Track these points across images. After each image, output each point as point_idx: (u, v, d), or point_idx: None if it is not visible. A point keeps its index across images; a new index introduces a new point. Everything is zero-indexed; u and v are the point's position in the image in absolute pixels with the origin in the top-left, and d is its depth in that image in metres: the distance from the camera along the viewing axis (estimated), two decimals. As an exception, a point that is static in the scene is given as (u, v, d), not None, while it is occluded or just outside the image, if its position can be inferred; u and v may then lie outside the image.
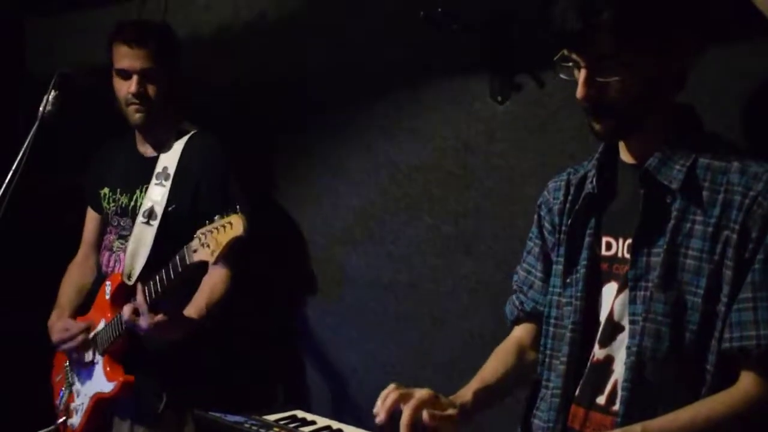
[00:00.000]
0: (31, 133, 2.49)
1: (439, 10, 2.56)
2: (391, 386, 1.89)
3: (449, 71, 2.84)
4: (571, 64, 1.89)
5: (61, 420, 3.06)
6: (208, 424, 2.04)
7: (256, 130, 3.35)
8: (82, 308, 3.14)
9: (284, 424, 2.06)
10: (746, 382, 1.79)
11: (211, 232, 2.38)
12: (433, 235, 2.92)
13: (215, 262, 2.40)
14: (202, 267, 2.62)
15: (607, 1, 1.77)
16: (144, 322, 2.59)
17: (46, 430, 3.11)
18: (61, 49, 4.11)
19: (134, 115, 2.91)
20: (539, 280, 2.17)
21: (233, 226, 2.33)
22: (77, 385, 3.03)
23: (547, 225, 2.16)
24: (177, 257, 2.50)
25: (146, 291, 2.59)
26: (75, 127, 3.23)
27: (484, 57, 2.70)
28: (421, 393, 1.88)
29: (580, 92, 1.86)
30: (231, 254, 2.38)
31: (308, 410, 2.17)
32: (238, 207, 2.37)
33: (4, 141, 3.86)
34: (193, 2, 3.60)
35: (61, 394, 3.13)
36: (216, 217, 2.38)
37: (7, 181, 2.37)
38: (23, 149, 2.45)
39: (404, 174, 2.99)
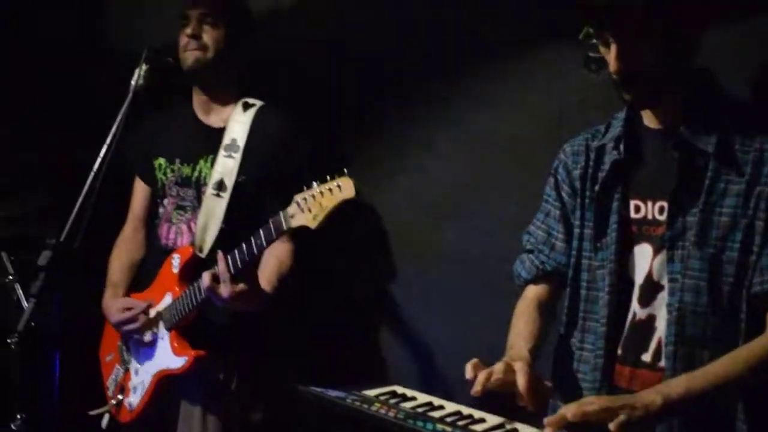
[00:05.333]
0: (124, 106, 2.48)
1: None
2: (474, 361, 1.96)
3: (541, 40, 2.81)
4: (596, 41, 2.00)
5: (115, 400, 3.00)
6: (309, 398, 2.02)
7: (337, 104, 3.33)
8: (134, 284, 3.10)
9: (385, 399, 2.04)
10: None
11: (314, 196, 2.30)
12: (525, 209, 2.85)
13: (317, 227, 2.32)
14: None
15: None
16: (225, 290, 2.52)
17: (98, 410, 3.06)
18: (139, 25, 4.11)
19: (188, 59, 2.84)
20: (560, 242, 2.25)
21: (342, 188, 2.26)
22: (135, 363, 2.96)
23: (566, 188, 2.24)
24: (271, 224, 2.42)
25: (229, 259, 2.53)
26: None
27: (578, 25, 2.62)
28: (516, 362, 1.94)
29: (613, 67, 1.95)
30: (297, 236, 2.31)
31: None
32: (345, 170, 2.30)
33: (85, 117, 3.93)
34: None
35: (113, 374, 3.05)
36: (315, 183, 2.31)
37: (101, 156, 2.36)
38: (116, 123, 2.44)
39: (494, 147, 2.96)
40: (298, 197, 2.34)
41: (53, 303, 2.51)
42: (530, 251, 2.32)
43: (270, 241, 2.46)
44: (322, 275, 3.27)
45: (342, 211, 2.28)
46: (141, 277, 3.05)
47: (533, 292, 2.31)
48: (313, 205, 2.30)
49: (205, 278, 2.55)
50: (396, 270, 3.25)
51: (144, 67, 2.64)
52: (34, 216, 3.88)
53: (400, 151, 3.22)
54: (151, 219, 3.09)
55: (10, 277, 3.67)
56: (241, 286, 2.52)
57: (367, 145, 3.29)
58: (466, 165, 3.03)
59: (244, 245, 2.50)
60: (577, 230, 2.20)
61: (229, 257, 2.53)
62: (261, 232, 2.46)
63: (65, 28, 4.33)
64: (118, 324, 2.92)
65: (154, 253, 3.00)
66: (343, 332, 3.31)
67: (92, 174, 2.38)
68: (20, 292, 3.64)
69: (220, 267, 2.52)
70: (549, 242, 2.28)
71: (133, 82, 2.60)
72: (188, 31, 2.83)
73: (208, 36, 2.82)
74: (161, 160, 2.98)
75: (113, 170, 2.56)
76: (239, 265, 2.51)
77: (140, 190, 3.14)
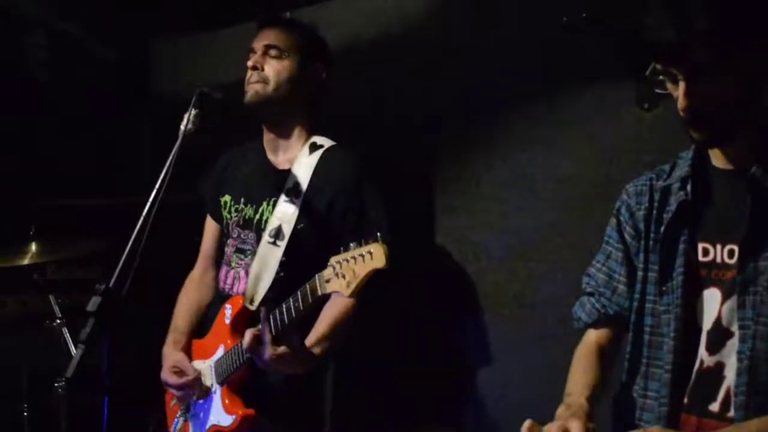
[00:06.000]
0: (173, 151, 2.46)
1: (584, 15, 2.46)
2: (529, 422, 1.88)
3: (590, 79, 2.78)
4: (663, 77, 1.92)
5: (176, 449, 2.88)
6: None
7: (391, 146, 3.30)
8: (199, 327, 2.97)
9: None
10: None
11: (348, 261, 2.16)
12: (575, 249, 2.80)
13: (351, 296, 2.18)
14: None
15: (700, 9, 1.80)
16: (266, 353, 2.38)
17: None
18: (185, 68, 4.16)
19: (248, 92, 2.73)
20: (623, 285, 2.17)
21: (374, 256, 2.11)
22: (193, 414, 2.86)
23: (629, 229, 2.16)
24: (308, 287, 2.30)
25: (270, 320, 2.40)
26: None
27: (628, 62, 2.58)
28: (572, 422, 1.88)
29: (681, 105, 1.88)
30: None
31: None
32: (378, 234, 2.15)
33: (130, 158, 3.97)
34: (332, 21, 3.59)
35: (175, 422, 2.97)
36: (352, 245, 2.17)
37: (151, 199, 2.35)
38: (166, 166, 2.42)
39: (543, 187, 2.92)
40: (333, 260, 2.21)
41: (102, 349, 2.49)
42: (591, 294, 2.24)
43: (307, 306, 2.33)
44: (379, 323, 3.24)
45: (383, 272, 2.13)
46: (205, 321, 2.93)
47: (594, 336, 2.23)
48: (347, 270, 2.17)
49: (247, 338, 2.42)
50: (449, 313, 3.20)
51: (193, 111, 2.55)
52: (83, 260, 3.92)
53: (447, 191, 3.19)
54: (220, 259, 2.95)
55: (58, 321, 3.69)
56: (282, 349, 2.38)
57: (425, 184, 3.27)
58: (514, 206, 2.99)
59: (284, 306, 2.39)
60: (640, 273, 2.12)
61: (271, 317, 2.41)
62: (299, 294, 2.35)
63: (113, 76, 4.41)
64: (163, 383, 2.84)
65: (215, 298, 2.89)
66: (404, 379, 3.25)
67: (141, 219, 2.36)
68: (68, 335, 3.66)
69: (263, 328, 2.39)
70: (610, 285, 2.20)
71: (182, 127, 2.55)
72: (249, 63, 2.75)
73: (270, 68, 2.72)
74: (227, 198, 2.87)
75: (163, 215, 2.55)
76: (279, 327, 2.39)
77: (210, 229, 3.00)
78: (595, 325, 2.22)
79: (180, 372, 2.79)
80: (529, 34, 2.89)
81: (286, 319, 2.38)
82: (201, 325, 2.95)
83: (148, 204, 2.37)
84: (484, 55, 3.04)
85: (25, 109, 4.32)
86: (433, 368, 3.22)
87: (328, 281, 2.23)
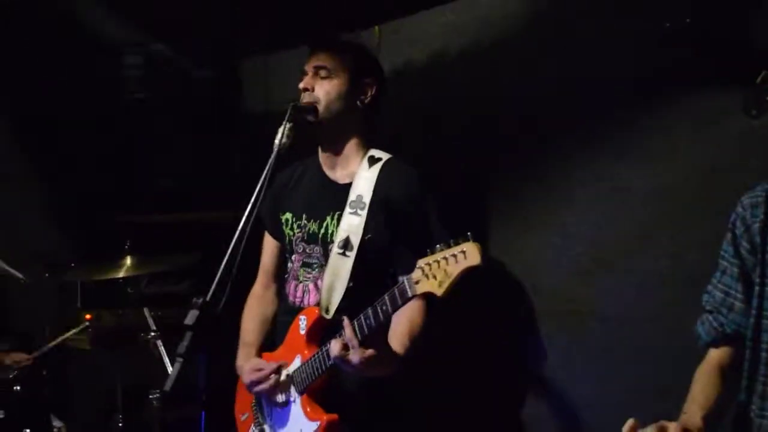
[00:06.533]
0: (269, 164, 2.49)
1: (688, 21, 2.38)
2: (631, 421, 1.86)
3: (691, 85, 2.69)
4: None
5: (252, 460, 2.90)
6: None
7: (475, 159, 3.30)
8: (267, 342, 3.03)
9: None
10: None
11: (438, 262, 2.20)
12: (673, 264, 2.72)
13: (443, 295, 2.21)
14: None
15: None
16: (355, 357, 2.43)
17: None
18: (274, 86, 4.21)
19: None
20: (740, 302, 2.10)
21: (468, 254, 2.14)
22: (270, 424, 2.90)
23: (744, 244, 2.08)
24: (396, 291, 2.34)
25: (355, 325, 2.45)
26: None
27: (735, 69, 2.49)
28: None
29: None
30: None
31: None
32: (469, 234, 2.18)
33: (221, 174, 4.04)
34: (406, 37, 3.59)
35: None
36: (438, 246, 2.21)
37: (247, 213, 2.37)
38: (261, 181, 2.45)
39: (639, 199, 2.84)
40: (421, 262, 2.25)
41: (199, 363, 2.52)
42: (710, 312, 2.16)
43: (396, 308, 2.39)
44: (458, 333, 3.18)
45: (477, 270, 2.16)
46: (273, 335, 3.00)
47: (715, 355, 2.15)
48: (437, 271, 2.20)
49: (335, 347, 2.48)
50: (536, 327, 3.14)
51: (287, 125, 2.62)
52: (176, 274, 4.00)
53: (538, 206, 3.13)
54: (282, 275, 3.03)
55: (153, 334, 3.76)
56: (370, 351, 2.44)
57: (505, 200, 3.23)
58: (609, 219, 2.92)
59: (370, 311, 2.42)
60: (757, 288, 2.03)
61: (355, 323, 2.45)
62: (386, 298, 2.38)
63: (206, 94, 4.51)
64: (250, 385, 2.88)
65: (284, 311, 2.96)
66: (480, 392, 3.22)
67: (237, 233, 2.39)
68: (162, 348, 3.73)
69: (347, 334, 2.44)
70: (727, 303, 2.12)
71: (276, 141, 2.58)
72: (301, 84, 2.81)
73: (320, 89, 2.79)
74: (288, 215, 2.94)
75: (256, 229, 2.58)
76: (366, 331, 2.44)
77: (270, 246, 3.09)
78: (715, 343, 2.15)
79: (260, 369, 2.84)
80: (625, 40, 2.83)
81: (373, 324, 2.42)
82: (268, 340, 3.02)
83: (244, 218, 2.39)
84: (576, 68, 2.99)
85: (122, 127, 4.45)
86: (513, 380, 3.21)
87: (417, 283, 2.26)
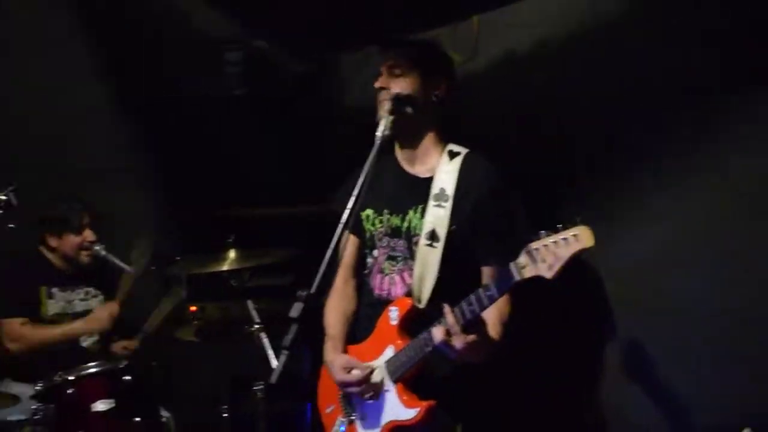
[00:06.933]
0: (371, 156, 2.51)
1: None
2: None
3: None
4: None
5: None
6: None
7: (552, 158, 3.32)
8: (349, 335, 3.05)
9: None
10: None
11: (547, 246, 2.30)
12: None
13: (553, 277, 2.30)
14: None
15: None
16: (459, 342, 2.53)
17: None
18: (370, 80, 4.21)
19: (378, 110, 2.84)
20: None
21: (579, 237, 2.24)
22: (361, 415, 2.93)
23: None
24: (502, 276, 2.44)
25: (457, 312, 2.53)
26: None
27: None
28: None
29: None
30: None
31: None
32: (577, 218, 2.27)
33: (320, 168, 4.06)
34: (504, 27, 3.59)
35: (337, 425, 3.01)
36: (543, 233, 2.31)
37: (350, 206, 2.39)
38: (363, 174, 2.47)
39: (717, 200, 2.86)
40: (530, 247, 2.34)
41: (303, 355, 2.56)
42: None
43: (503, 292, 2.47)
44: (540, 328, 3.22)
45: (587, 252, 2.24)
46: (355, 328, 3.04)
47: None
48: (546, 255, 2.30)
49: (438, 333, 2.57)
50: (615, 325, 3.16)
51: (389, 117, 2.67)
52: (278, 267, 4.04)
53: (615, 206, 3.12)
54: (361, 270, 3.09)
55: (256, 326, 3.82)
56: (472, 337, 2.53)
57: (581, 198, 3.23)
58: (685, 220, 2.90)
59: (472, 297, 2.51)
60: None
61: (456, 309, 2.53)
62: (492, 283, 2.48)
63: (305, 88, 4.56)
64: (341, 383, 2.92)
65: (368, 304, 3.01)
66: (561, 385, 3.25)
67: (340, 226, 2.41)
68: (266, 340, 3.78)
69: (449, 320, 2.53)
70: None
71: (378, 133, 2.63)
72: (377, 84, 2.89)
73: (395, 87, 2.85)
74: (369, 212, 2.99)
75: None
76: (468, 317, 2.52)
77: (349, 242, 3.09)
78: None
79: (352, 369, 2.88)
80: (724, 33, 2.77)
81: (477, 309, 2.51)
82: (351, 332, 3.07)
83: (347, 211, 2.41)
84: (653, 71, 2.97)
85: (225, 123, 4.53)
86: (593, 374, 3.21)
87: (524, 267, 2.36)
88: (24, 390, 3.50)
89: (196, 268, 4.05)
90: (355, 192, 2.51)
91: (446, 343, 2.55)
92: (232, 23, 4.47)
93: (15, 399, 3.28)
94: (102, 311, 3.89)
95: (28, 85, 4.26)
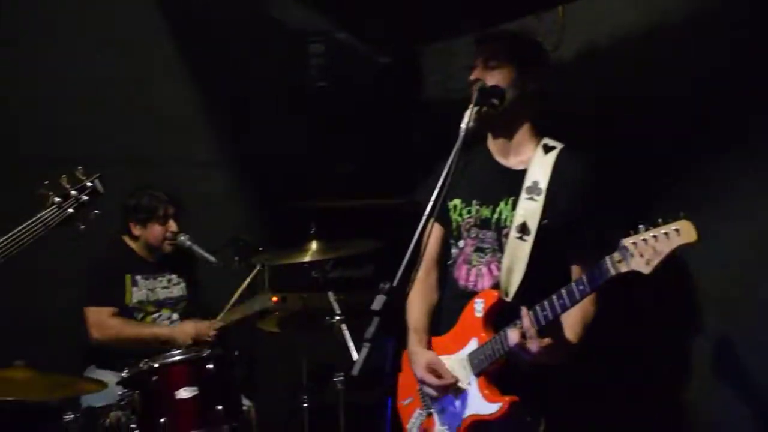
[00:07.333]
0: (455, 148, 2.49)
1: None
2: None
3: None
4: None
5: (419, 446, 2.91)
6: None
7: (644, 150, 3.25)
8: (432, 326, 3.02)
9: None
10: None
11: (646, 240, 2.24)
12: None
13: (651, 273, 2.24)
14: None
15: None
16: (534, 346, 2.50)
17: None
18: (455, 70, 4.19)
19: (473, 103, 2.81)
20: None
21: (682, 232, 2.18)
22: (440, 409, 2.90)
23: None
24: (596, 270, 2.38)
25: (532, 316, 2.51)
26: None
27: None
28: None
29: None
30: None
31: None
32: (681, 213, 2.21)
33: (402, 160, 4.05)
34: (590, 17, 3.53)
35: (414, 418, 2.99)
36: (641, 226, 2.25)
37: (433, 198, 2.37)
38: (448, 165, 2.44)
39: None
40: (626, 242, 2.28)
41: (385, 348, 2.52)
42: None
43: (596, 287, 2.41)
44: (626, 325, 3.16)
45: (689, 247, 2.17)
46: (438, 320, 3.02)
47: None
48: (644, 249, 2.24)
49: (513, 336, 2.55)
50: (703, 322, 3.08)
51: (474, 108, 2.63)
52: (359, 259, 4.05)
53: (705, 199, 2.99)
54: (444, 261, 3.05)
55: (337, 317, 3.83)
56: (547, 340, 2.50)
57: (672, 192, 3.14)
58: None
59: (554, 297, 2.48)
60: None
61: (537, 308, 2.51)
62: (585, 277, 2.42)
63: (386, 80, 4.55)
64: (421, 381, 2.90)
65: (452, 296, 2.97)
66: (647, 384, 3.18)
67: (424, 218, 2.39)
68: (346, 332, 3.78)
69: (525, 323, 2.51)
70: None
71: (463, 125, 2.59)
72: (471, 77, 2.84)
73: (491, 79, 2.81)
74: (456, 201, 2.96)
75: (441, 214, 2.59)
76: (550, 318, 2.49)
77: (434, 232, 3.04)
78: None
79: (436, 373, 2.85)
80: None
81: (559, 310, 2.48)
82: (434, 324, 3.05)
83: (431, 203, 2.39)
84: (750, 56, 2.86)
85: (307, 114, 4.56)
86: (681, 374, 3.15)
87: (620, 262, 2.31)
88: (108, 377, 3.58)
89: (278, 259, 4.08)
90: (440, 183, 2.47)
91: (521, 346, 2.52)
92: (316, 16, 4.49)
93: (102, 384, 3.35)
94: (191, 327, 3.93)
95: (115, 78, 4.35)
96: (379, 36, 4.58)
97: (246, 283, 4.01)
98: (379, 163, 4.49)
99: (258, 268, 4.04)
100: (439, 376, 2.82)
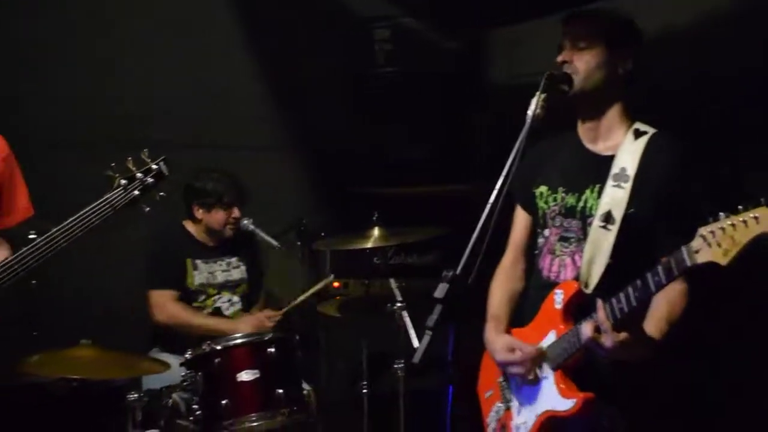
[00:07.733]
0: (521, 136, 2.42)
1: None
2: None
3: None
4: None
5: (499, 439, 2.94)
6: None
7: (739, 134, 3.19)
8: (515, 316, 2.93)
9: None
10: None
11: (723, 229, 2.10)
12: None
13: (729, 264, 2.11)
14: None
15: None
16: (608, 341, 2.37)
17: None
18: (521, 55, 4.13)
19: (561, 85, 2.71)
20: None
21: (761, 220, 2.04)
22: (518, 402, 2.82)
23: None
24: (672, 260, 2.24)
25: (609, 307, 2.37)
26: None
27: None
28: None
29: None
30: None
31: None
32: (762, 199, 2.06)
33: (467, 146, 4.00)
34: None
35: (494, 411, 2.92)
36: (722, 215, 2.11)
37: (498, 187, 2.31)
38: (513, 153, 2.38)
39: None
40: (703, 230, 2.14)
41: (447, 336, 2.50)
42: None
43: (670, 279, 2.27)
44: (712, 321, 3.03)
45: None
46: (522, 310, 2.91)
47: None
48: (722, 239, 2.10)
49: (586, 329, 2.42)
50: None
51: (542, 96, 2.52)
52: (421, 246, 4.02)
53: None
54: (531, 249, 2.94)
55: (399, 304, 3.81)
56: (623, 335, 2.36)
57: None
58: None
59: (630, 289, 2.34)
60: None
61: (613, 300, 2.38)
62: (659, 269, 2.27)
63: (452, 66, 4.51)
64: (502, 364, 2.82)
65: (536, 286, 2.87)
66: (733, 383, 3.10)
67: (488, 206, 2.33)
68: (407, 319, 3.76)
69: (600, 316, 2.38)
70: None
71: (529, 112, 2.51)
72: (559, 58, 2.72)
73: (580, 60, 2.69)
74: (543, 188, 2.86)
75: (507, 202, 2.53)
76: (626, 311, 2.35)
77: (521, 220, 3.01)
78: None
79: (514, 350, 2.77)
80: None
81: (635, 303, 2.34)
82: (517, 314, 2.94)
83: (495, 191, 2.33)
84: None
85: (372, 101, 4.54)
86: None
87: (697, 252, 2.17)
88: (171, 360, 3.62)
89: (340, 245, 4.07)
90: (504, 171, 2.41)
91: (595, 340, 2.40)
92: (383, 3, 4.48)
93: (166, 365, 3.39)
94: (253, 320, 3.96)
95: (182, 63, 4.38)
96: (444, 21, 4.53)
97: (315, 289, 4.02)
98: (446, 149, 4.45)
99: (330, 278, 4.05)
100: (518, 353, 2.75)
